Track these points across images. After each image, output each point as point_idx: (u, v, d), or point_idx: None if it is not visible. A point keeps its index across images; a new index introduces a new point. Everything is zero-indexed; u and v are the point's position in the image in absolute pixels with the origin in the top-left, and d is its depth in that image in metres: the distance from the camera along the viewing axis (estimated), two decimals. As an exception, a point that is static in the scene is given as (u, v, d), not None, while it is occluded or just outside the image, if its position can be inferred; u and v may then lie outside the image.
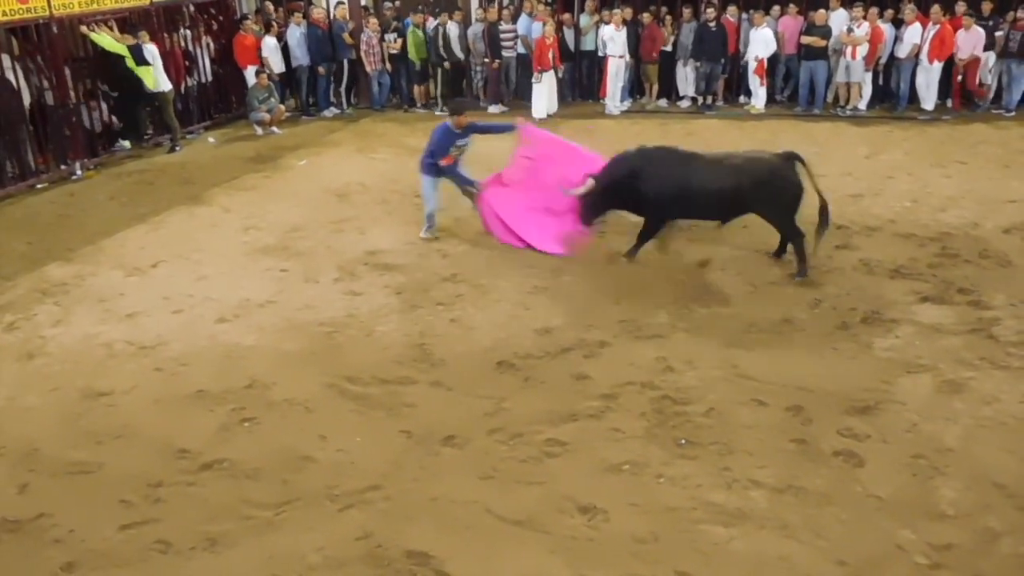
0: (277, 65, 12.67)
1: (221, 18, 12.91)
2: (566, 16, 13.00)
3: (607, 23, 12.23)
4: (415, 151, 8.49)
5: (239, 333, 5.90)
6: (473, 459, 4.41)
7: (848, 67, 11.87)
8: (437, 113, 12.70)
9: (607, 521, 3.91)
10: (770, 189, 6.38)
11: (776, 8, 12.27)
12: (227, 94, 13.01)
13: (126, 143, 11.19)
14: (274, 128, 12.10)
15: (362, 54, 12.91)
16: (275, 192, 9.21)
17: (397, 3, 13.55)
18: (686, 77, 12.80)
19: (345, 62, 13.12)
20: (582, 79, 13.40)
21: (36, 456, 4.56)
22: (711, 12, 12.08)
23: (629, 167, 6.64)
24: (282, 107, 12.46)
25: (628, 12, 12.36)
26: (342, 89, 13.39)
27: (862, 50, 11.66)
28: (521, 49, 12.69)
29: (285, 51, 12.81)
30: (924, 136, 10.78)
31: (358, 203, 8.64)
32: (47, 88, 9.89)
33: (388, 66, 13.07)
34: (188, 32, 12.22)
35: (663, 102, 13.01)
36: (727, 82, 12.85)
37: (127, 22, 11.05)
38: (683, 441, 4.50)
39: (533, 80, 12.11)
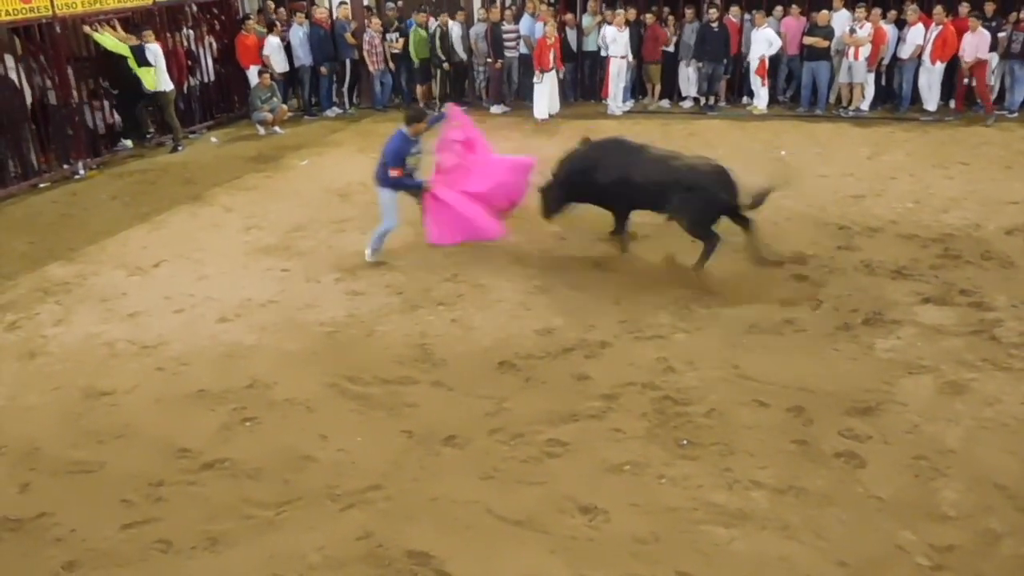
0: (280, 65, 12.68)
1: (223, 18, 12.93)
2: (568, 16, 13.01)
3: (610, 23, 12.23)
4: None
5: (240, 333, 5.91)
6: (474, 459, 4.40)
7: (851, 68, 11.86)
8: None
9: (608, 521, 3.91)
10: (691, 197, 6.42)
11: (779, 8, 12.27)
12: (229, 94, 13.02)
13: (128, 142, 11.21)
14: (276, 128, 12.11)
15: (364, 54, 12.92)
16: (277, 192, 9.22)
17: (400, 3, 13.56)
18: (688, 78, 12.80)
19: (347, 62, 13.13)
20: (584, 79, 13.40)
21: (37, 455, 4.56)
22: (713, 12, 12.09)
23: (583, 159, 6.86)
24: (284, 107, 12.47)
25: (631, 13, 12.37)
26: (344, 89, 13.40)
27: (864, 51, 11.65)
28: (524, 49, 12.69)
29: (288, 51, 12.82)
30: (926, 137, 10.77)
31: (360, 203, 8.64)
32: (50, 88, 9.90)
33: (392, 65, 13.07)
34: (191, 32, 12.24)
35: (665, 103, 13.01)
36: (729, 83, 12.85)
37: (130, 22, 11.06)
38: (684, 442, 4.49)
39: (534, 80, 12.11)
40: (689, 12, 12.42)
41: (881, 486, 4.09)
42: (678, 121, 12.00)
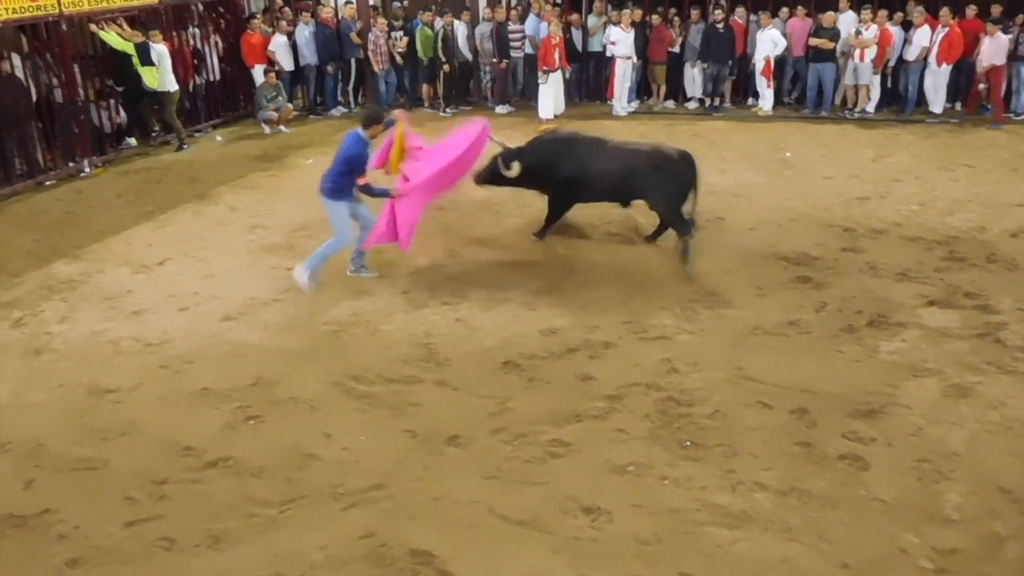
0: (286, 63, 12.70)
1: (229, 17, 12.95)
2: (574, 17, 13.01)
3: (615, 24, 12.22)
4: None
5: (245, 331, 5.92)
6: (477, 459, 4.41)
7: (856, 69, 11.84)
8: (441, 114, 12.75)
9: (611, 522, 3.91)
10: (656, 178, 6.78)
11: (784, 10, 12.25)
12: (234, 93, 13.03)
13: (132, 140, 11.23)
14: (281, 127, 12.12)
15: (369, 53, 12.92)
16: (281, 191, 9.22)
17: (405, 3, 13.57)
18: (693, 79, 12.79)
19: (352, 61, 13.15)
20: (589, 80, 13.40)
21: (42, 452, 4.57)
22: (719, 13, 12.07)
23: (551, 150, 7.09)
24: (290, 106, 12.47)
25: (637, 14, 12.36)
26: (350, 88, 13.43)
27: (870, 52, 11.62)
28: (529, 49, 12.70)
29: (293, 50, 12.84)
30: (931, 139, 10.74)
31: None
32: (56, 86, 9.93)
33: (400, 60, 13.05)
34: (196, 31, 12.26)
35: (670, 103, 13.00)
36: (734, 84, 12.85)
37: (136, 20, 11.08)
38: (688, 443, 4.49)
39: (539, 80, 12.11)
40: (695, 13, 12.42)
41: (884, 489, 4.09)
42: (683, 122, 11.98)
